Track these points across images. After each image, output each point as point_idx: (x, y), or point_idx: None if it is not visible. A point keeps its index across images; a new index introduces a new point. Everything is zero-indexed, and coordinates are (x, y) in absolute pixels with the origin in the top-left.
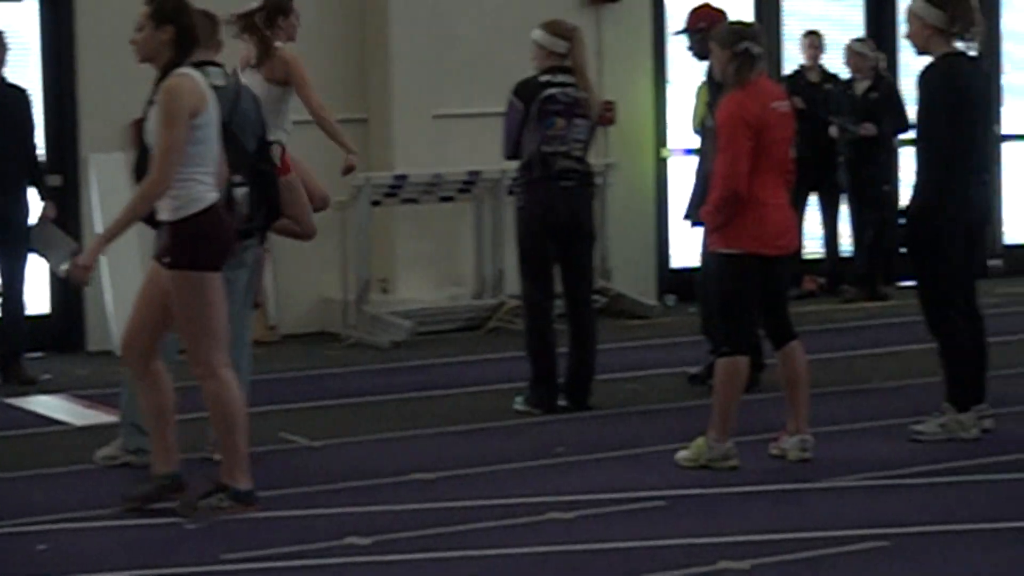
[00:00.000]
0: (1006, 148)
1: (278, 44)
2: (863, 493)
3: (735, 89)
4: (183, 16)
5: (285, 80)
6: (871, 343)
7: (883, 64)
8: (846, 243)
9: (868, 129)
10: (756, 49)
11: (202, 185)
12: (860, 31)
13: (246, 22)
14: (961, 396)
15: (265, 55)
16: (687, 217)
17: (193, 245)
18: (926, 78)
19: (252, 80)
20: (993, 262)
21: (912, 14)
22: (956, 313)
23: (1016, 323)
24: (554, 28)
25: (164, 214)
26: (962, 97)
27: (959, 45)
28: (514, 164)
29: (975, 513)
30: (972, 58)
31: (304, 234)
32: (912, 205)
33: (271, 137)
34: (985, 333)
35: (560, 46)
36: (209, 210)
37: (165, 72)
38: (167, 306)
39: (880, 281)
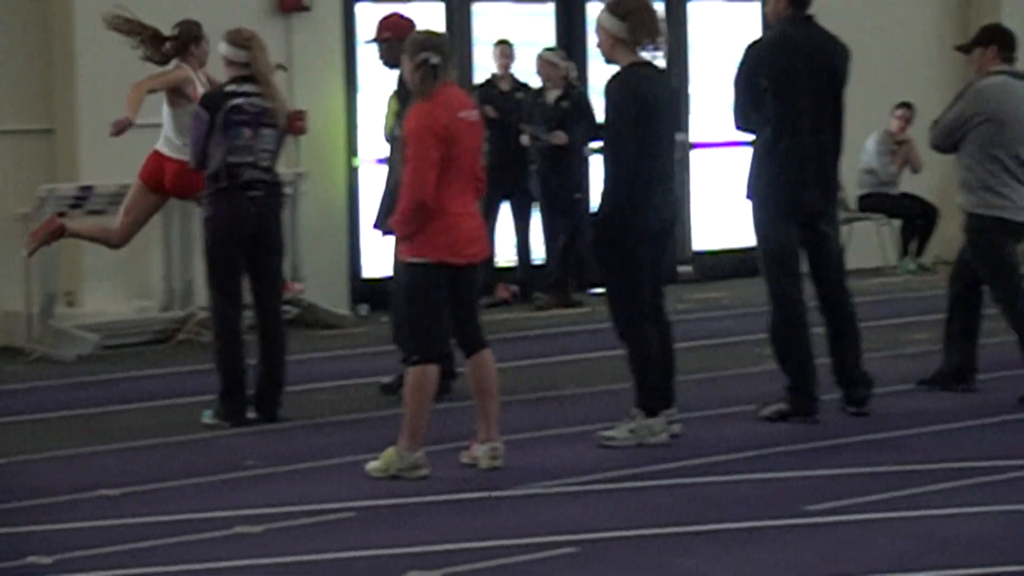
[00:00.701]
0: (695, 156)
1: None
2: (554, 500)
3: (420, 99)
4: None
5: None
6: (563, 350)
7: (574, 73)
8: (539, 251)
9: (559, 137)
10: (435, 59)
11: None
12: (551, 41)
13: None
14: (650, 401)
15: None
16: (377, 226)
17: None
18: (611, 87)
19: None
20: (683, 268)
21: (599, 25)
22: (644, 319)
23: (705, 328)
24: (233, 37)
25: None
26: (647, 105)
27: (645, 55)
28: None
29: (665, 517)
30: (657, 67)
31: None
32: (600, 212)
33: None
34: (673, 339)
35: (240, 55)
36: None
37: None
38: None
39: (572, 288)
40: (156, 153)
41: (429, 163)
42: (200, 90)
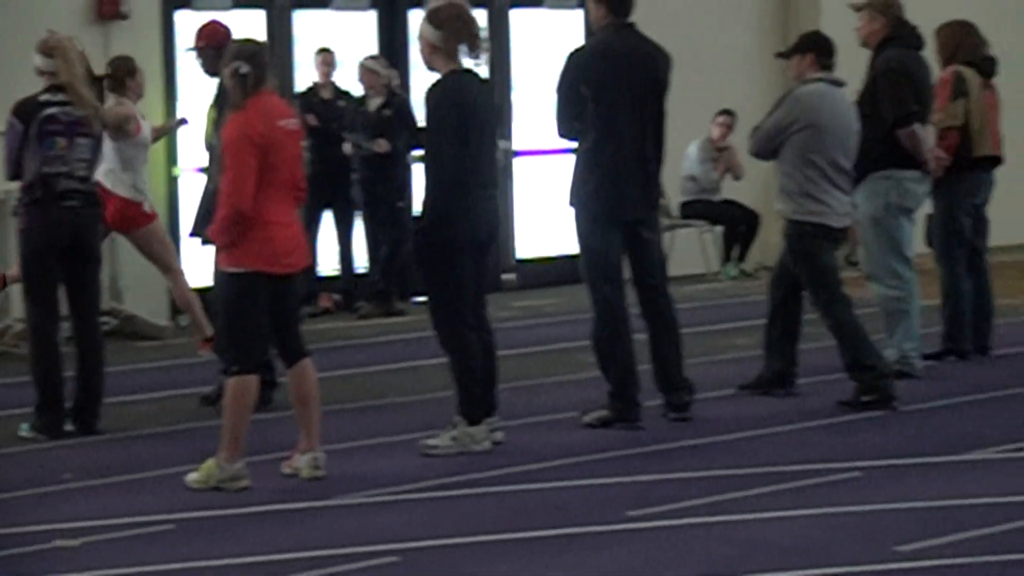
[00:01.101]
0: (518, 164)
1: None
2: (376, 509)
3: (236, 109)
4: None
5: None
6: (387, 359)
7: (396, 81)
8: (362, 260)
9: (381, 145)
10: (244, 69)
11: None
12: (373, 49)
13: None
14: (472, 410)
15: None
16: (194, 234)
17: None
18: (431, 95)
19: None
20: (507, 276)
21: (420, 33)
22: (466, 327)
23: (528, 336)
24: (40, 46)
25: None
26: (466, 113)
27: (466, 62)
28: (16, 185)
29: (487, 525)
30: (477, 75)
31: None
32: (421, 221)
33: None
34: (495, 347)
35: (48, 64)
36: None
37: None
38: None
39: (395, 297)
40: (98, 186)
41: (247, 172)
42: (143, 123)
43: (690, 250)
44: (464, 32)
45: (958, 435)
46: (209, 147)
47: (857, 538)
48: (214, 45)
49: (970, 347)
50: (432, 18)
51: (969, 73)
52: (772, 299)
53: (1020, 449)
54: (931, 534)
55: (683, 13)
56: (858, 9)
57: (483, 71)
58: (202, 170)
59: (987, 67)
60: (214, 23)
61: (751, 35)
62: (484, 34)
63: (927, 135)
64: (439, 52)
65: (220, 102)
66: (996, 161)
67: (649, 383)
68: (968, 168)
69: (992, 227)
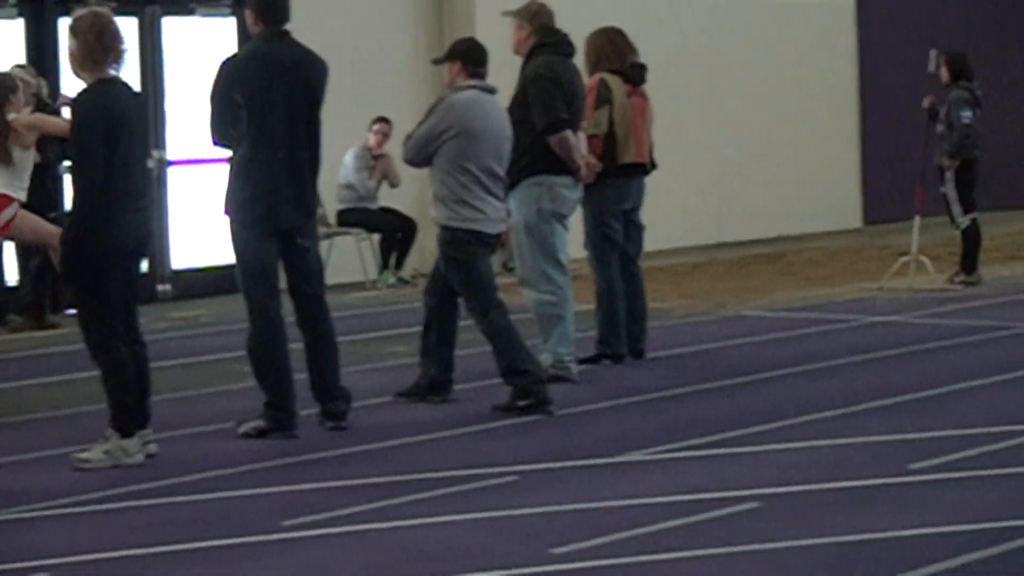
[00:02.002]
0: (172, 173)
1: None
2: (31, 524)
3: None
4: None
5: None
6: (40, 372)
7: (45, 90)
8: (12, 273)
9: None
10: None
11: None
12: (21, 56)
13: None
14: (124, 422)
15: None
16: None
17: None
18: (77, 105)
19: None
20: (161, 287)
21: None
22: (117, 339)
23: (184, 347)
24: None
25: None
26: (114, 122)
27: (111, 71)
28: None
29: (142, 538)
30: (125, 84)
31: None
32: (70, 232)
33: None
34: (147, 359)
35: None
36: None
37: None
38: None
39: (48, 310)
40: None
41: None
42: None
43: (348, 258)
44: (102, 42)
45: (613, 437)
46: None
47: (514, 541)
48: None
49: (625, 351)
50: (73, 27)
51: (614, 81)
52: (427, 306)
53: (673, 450)
54: (587, 535)
55: (338, 20)
56: (510, 17)
57: (134, 80)
58: None
59: (634, 74)
60: None
61: (406, 42)
62: (124, 44)
63: (579, 141)
64: (83, 61)
65: None
66: (645, 168)
67: (306, 392)
68: (615, 175)
69: (647, 232)
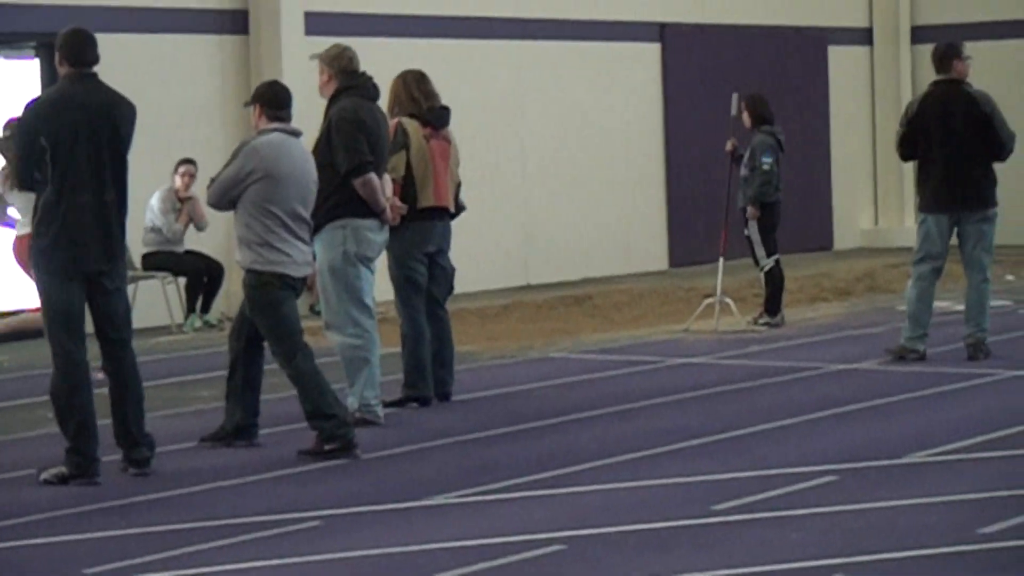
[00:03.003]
0: None
1: None
2: None
3: None
4: None
5: None
6: None
7: None
8: None
9: None
10: None
11: None
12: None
13: None
14: None
15: None
16: None
17: None
18: None
19: None
20: None
21: None
22: None
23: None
24: None
25: None
26: None
27: None
28: None
29: None
30: None
31: None
32: None
33: None
34: None
35: None
36: None
37: None
38: None
39: None
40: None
41: None
42: None
43: (153, 302)
44: None
45: (419, 481)
46: None
47: None
48: None
49: (431, 394)
50: None
51: (411, 124)
52: (232, 350)
53: (479, 493)
54: None
55: (145, 60)
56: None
57: None
58: None
59: (435, 117)
60: None
61: (214, 83)
62: None
63: (384, 184)
64: None
65: None
66: (448, 211)
67: (109, 437)
68: (416, 218)
69: (456, 275)
